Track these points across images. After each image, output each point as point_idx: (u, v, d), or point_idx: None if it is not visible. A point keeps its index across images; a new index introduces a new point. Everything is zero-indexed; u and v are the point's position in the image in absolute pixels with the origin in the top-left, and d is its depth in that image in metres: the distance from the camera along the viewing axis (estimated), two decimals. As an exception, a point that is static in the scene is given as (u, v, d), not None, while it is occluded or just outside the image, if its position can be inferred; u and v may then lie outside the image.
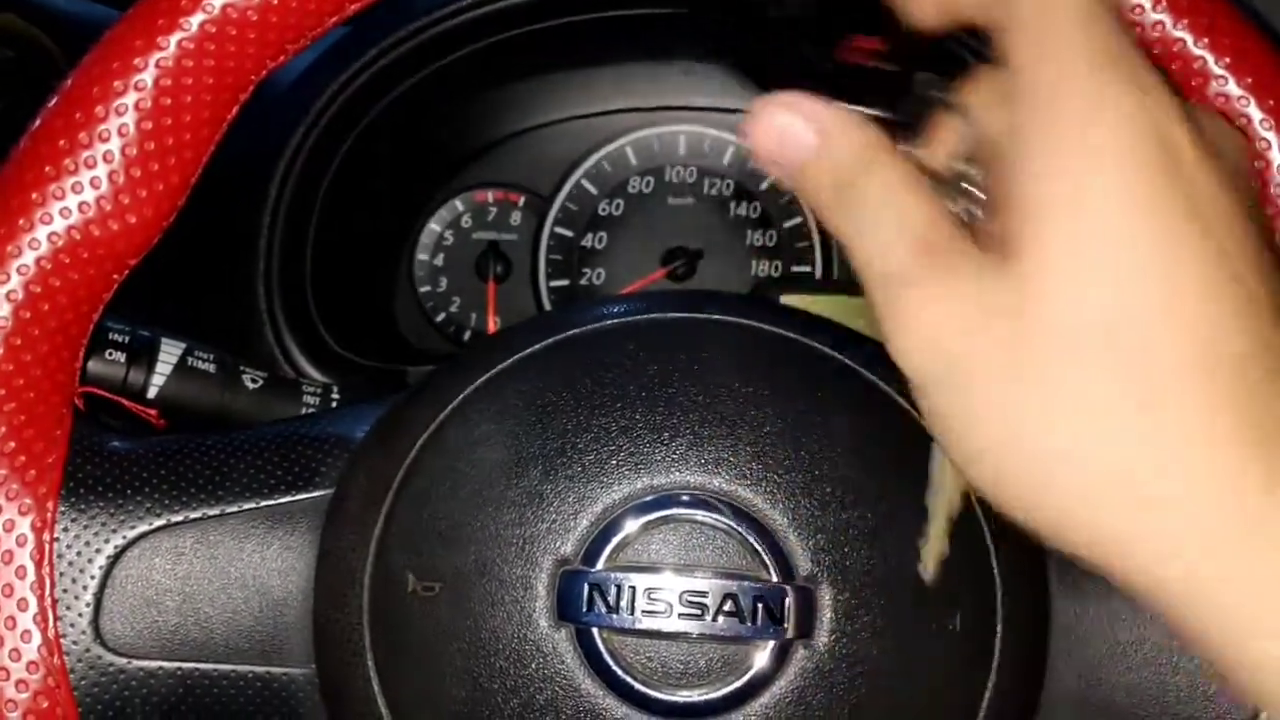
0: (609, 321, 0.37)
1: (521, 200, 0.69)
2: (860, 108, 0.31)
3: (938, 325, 0.28)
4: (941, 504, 0.31)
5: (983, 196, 0.31)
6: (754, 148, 0.31)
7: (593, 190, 0.68)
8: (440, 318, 0.69)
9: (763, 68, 0.34)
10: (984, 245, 0.28)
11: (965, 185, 0.31)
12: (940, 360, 0.28)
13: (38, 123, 0.36)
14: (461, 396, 0.36)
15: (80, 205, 0.36)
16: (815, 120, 0.30)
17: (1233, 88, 0.36)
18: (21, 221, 0.35)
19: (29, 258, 0.35)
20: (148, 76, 0.36)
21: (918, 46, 0.32)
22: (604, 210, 0.68)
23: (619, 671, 0.33)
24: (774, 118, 0.31)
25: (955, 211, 0.30)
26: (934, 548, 0.32)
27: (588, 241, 0.68)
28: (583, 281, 0.68)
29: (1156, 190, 0.26)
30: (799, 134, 0.30)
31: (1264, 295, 0.26)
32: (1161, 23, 0.36)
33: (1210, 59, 0.36)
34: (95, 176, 0.36)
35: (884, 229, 0.29)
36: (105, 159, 0.35)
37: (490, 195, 0.69)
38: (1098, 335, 0.26)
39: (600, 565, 0.34)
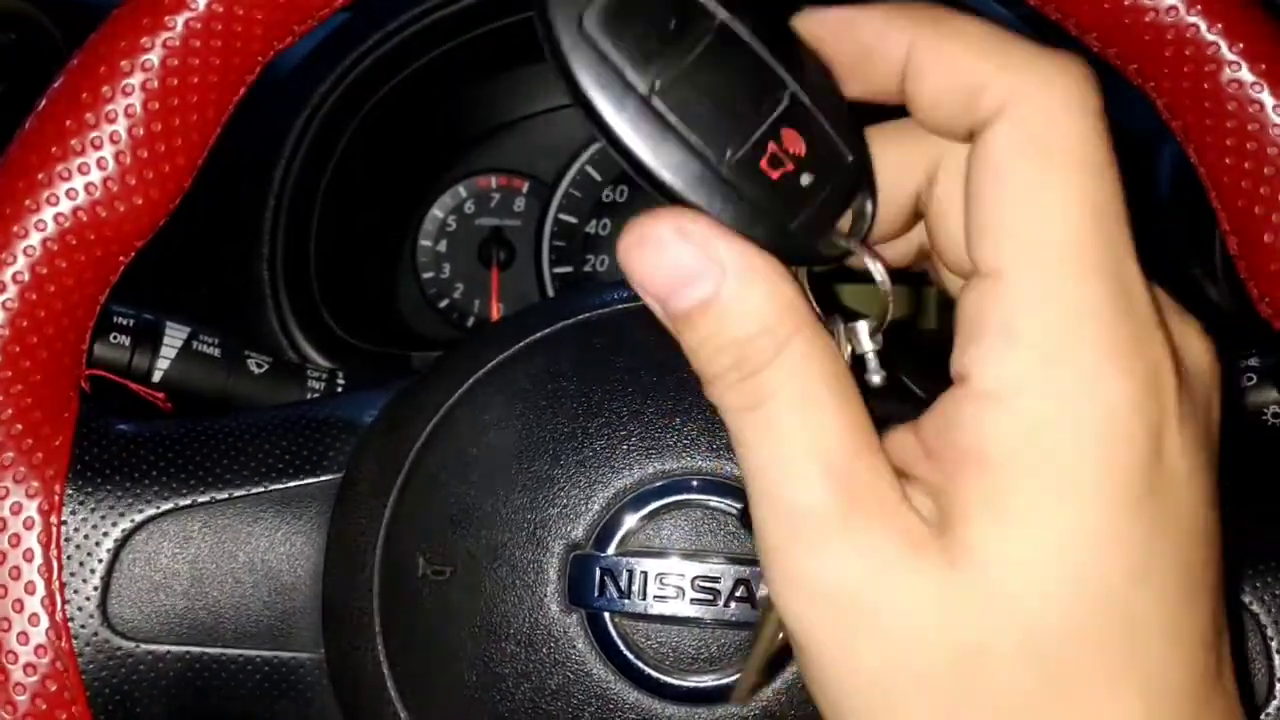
0: (620, 306, 0.37)
1: (525, 186, 0.68)
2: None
3: (839, 582, 0.23)
4: (762, 648, 0.29)
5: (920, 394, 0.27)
6: (628, 273, 0.25)
7: (597, 176, 0.68)
8: (443, 304, 0.68)
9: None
10: (916, 503, 0.24)
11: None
12: (832, 627, 0.24)
13: (43, 103, 0.36)
14: (472, 380, 0.36)
15: (86, 187, 0.35)
16: (714, 259, 0.24)
17: (1246, 74, 0.36)
18: (28, 203, 0.35)
19: (35, 240, 0.35)
20: (154, 57, 0.35)
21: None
22: (608, 196, 0.68)
23: (630, 656, 0.33)
24: (660, 244, 0.24)
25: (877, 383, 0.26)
26: (748, 681, 0.30)
27: (591, 228, 0.68)
28: (586, 268, 0.68)
29: (1134, 501, 0.23)
30: (688, 274, 0.24)
31: (1215, 625, 0.24)
32: (1175, 8, 0.36)
33: (1223, 45, 0.36)
34: (102, 158, 0.35)
35: (792, 444, 0.24)
36: (112, 140, 0.35)
37: (494, 181, 0.68)
38: (1046, 651, 0.23)
39: (611, 550, 0.34)
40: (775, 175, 0.25)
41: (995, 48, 0.25)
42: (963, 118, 0.25)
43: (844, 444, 0.24)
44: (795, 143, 0.25)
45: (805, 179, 0.26)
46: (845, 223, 0.27)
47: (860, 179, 0.27)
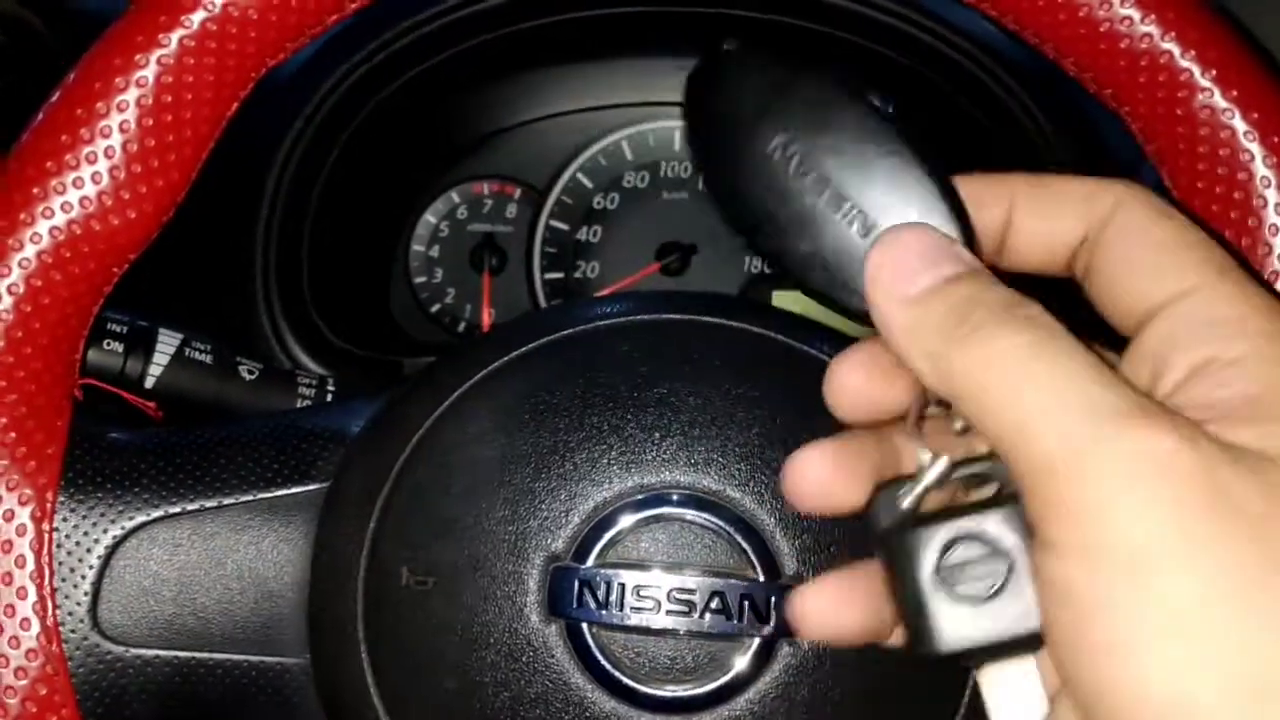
0: (602, 322, 0.38)
1: (517, 193, 0.69)
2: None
3: (1179, 482, 0.23)
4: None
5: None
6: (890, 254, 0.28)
7: (588, 184, 0.68)
8: (435, 309, 0.69)
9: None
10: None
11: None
12: (1165, 538, 0.22)
13: (40, 117, 0.37)
14: (456, 394, 0.37)
15: (81, 200, 0.36)
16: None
17: (1219, 100, 0.37)
18: (23, 215, 0.36)
19: (30, 251, 0.36)
20: (149, 73, 0.36)
21: None
22: (599, 204, 0.69)
23: (608, 666, 0.34)
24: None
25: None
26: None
27: (582, 235, 0.69)
28: (577, 275, 0.69)
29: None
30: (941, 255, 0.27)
31: None
32: (1149, 35, 0.37)
33: (1196, 71, 0.37)
34: (96, 172, 0.36)
35: (1077, 352, 0.25)
36: (107, 154, 0.36)
37: (486, 188, 0.69)
38: None
39: (590, 562, 0.34)
40: None
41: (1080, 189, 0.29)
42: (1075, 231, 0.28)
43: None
44: None
45: None
46: None
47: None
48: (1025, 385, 0.24)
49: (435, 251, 0.69)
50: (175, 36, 0.36)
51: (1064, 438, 0.23)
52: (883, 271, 0.27)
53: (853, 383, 0.29)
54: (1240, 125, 0.37)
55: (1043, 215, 0.29)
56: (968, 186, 0.29)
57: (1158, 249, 0.27)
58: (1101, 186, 0.29)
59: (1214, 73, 0.37)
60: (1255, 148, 0.37)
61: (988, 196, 0.29)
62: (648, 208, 0.68)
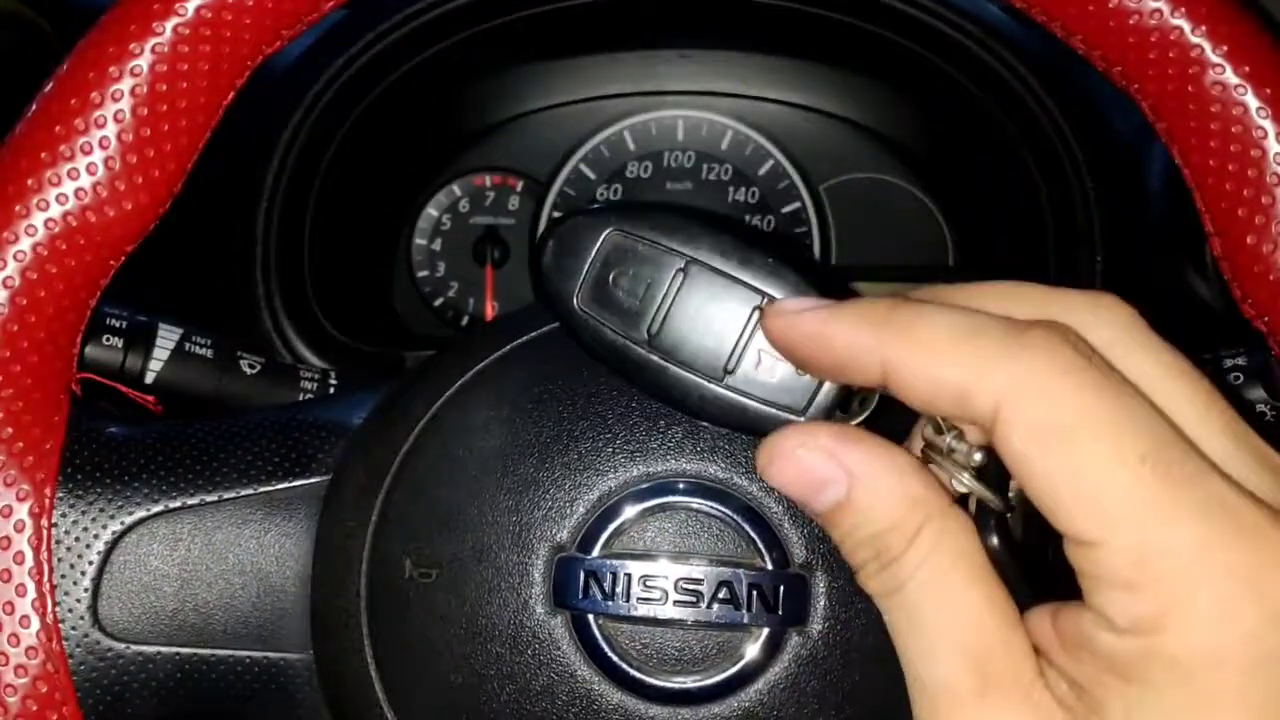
0: None
1: (519, 185, 0.68)
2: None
3: None
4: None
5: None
6: (771, 484, 0.28)
7: (590, 175, 0.68)
8: (438, 302, 0.69)
9: None
10: (1052, 683, 0.25)
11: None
12: None
13: (33, 108, 0.36)
14: (458, 384, 0.36)
15: (76, 192, 0.35)
16: (841, 465, 0.26)
17: (1230, 76, 0.36)
18: (18, 208, 0.35)
19: (26, 244, 0.35)
20: (143, 63, 0.35)
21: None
22: (602, 195, 0.68)
23: (614, 657, 0.34)
24: (790, 458, 0.27)
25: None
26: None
27: (585, 226, 0.68)
28: (580, 266, 0.68)
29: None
30: (820, 480, 0.26)
31: None
32: (1159, 10, 0.36)
33: (1208, 47, 0.36)
34: (91, 163, 0.35)
35: (929, 626, 0.25)
36: (101, 145, 0.35)
37: (488, 180, 0.69)
38: None
39: (596, 552, 0.34)
40: (774, 378, 0.29)
41: (965, 352, 0.25)
42: (962, 415, 0.25)
43: (980, 623, 0.25)
44: None
45: (804, 374, 0.29)
46: (858, 402, 0.29)
47: None
48: (901, 640, 0.26)
49: (437, 245, 0.69)
50: (169, 25, 0.35)
51: (932, 698, 0.25)
52: (783, 479, 0.27)
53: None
54: (1253, 102, 0.36)
55: (919, 388, 0.26)
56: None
57: (1049, 486, 0.24)
58: (977, 376, 0.25)
59: (1225, 49, 0.36)
60: (1269, 125, 0.36)
61: (860, 355, 0.26)
62: (651, 198, 0.68)
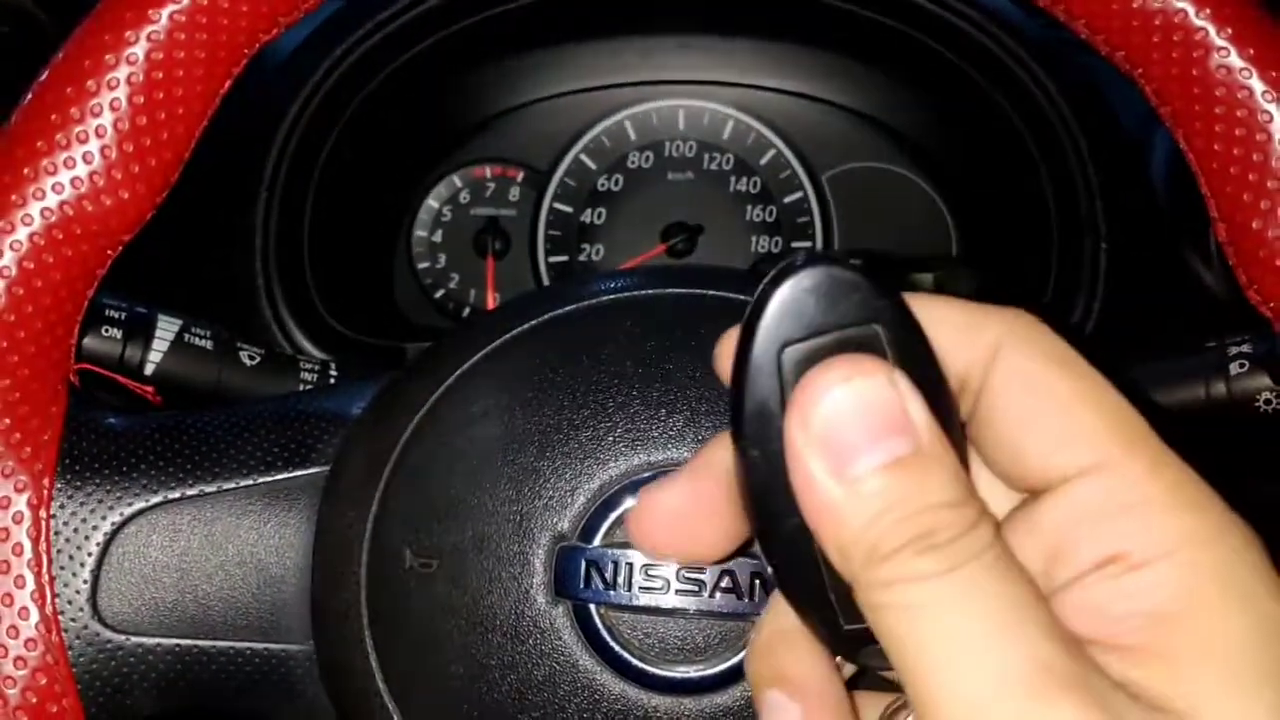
0: (606, 297, 0.37)
1: (520, 176, 0.68)
2: None
3: None
4: None
5: None
6: (818, 409, 0.22)
7: (592, 165, 0.68)
8: (439, 294, 0.68)
9: None
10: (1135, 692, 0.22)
11: None
12: None
13: (29, 97, 0.36)
14: (458, 373, 0.36)
15: (73, 180, 0.35)
16: (912, 418, 0.22)
17: (1234, 59, 0.36)
18: (14, 197, 0.35)
19: (22, 234, 0.35)
20: (139, 50, 0.35)
21: None
22: (603, 185, 0.68)
23: (616, 647, 0.33)
24: (876, 386, 0.22)
25: None
26: None
27: (587, 217, 0.68)
28: (582, 257, 0.68)
29: None
30: (894, 426, 0.22)
31: None
32: (1163, -7, 0.36)
33: (1212, 30, 0.36)
34: (88, 151, 0.35)
35: (1002, 601, 0.22)
36: (98, 134, 0.35)
37: (489, 171, 0.68)
38: None
39: (597, 541, 0.34)
40: None
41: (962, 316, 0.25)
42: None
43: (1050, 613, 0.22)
44: None
45: None
46: None
47: None
48: (939, 638, 0.22)
49: (438, 236, 0.68)
50: (165, 12, 0.35)
51: (970, 705, 0.21)
52: (809, 430, 0.22)
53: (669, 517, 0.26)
54: (1258, 85, 0.36)
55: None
56: None
57: (1061, 408, 0.23)
58: (983, 315, 0.24)
59: (1230, 31, 0.36)
60: (1274, 109, 0.36)
61: None
62: (652, 188, 0.68)
